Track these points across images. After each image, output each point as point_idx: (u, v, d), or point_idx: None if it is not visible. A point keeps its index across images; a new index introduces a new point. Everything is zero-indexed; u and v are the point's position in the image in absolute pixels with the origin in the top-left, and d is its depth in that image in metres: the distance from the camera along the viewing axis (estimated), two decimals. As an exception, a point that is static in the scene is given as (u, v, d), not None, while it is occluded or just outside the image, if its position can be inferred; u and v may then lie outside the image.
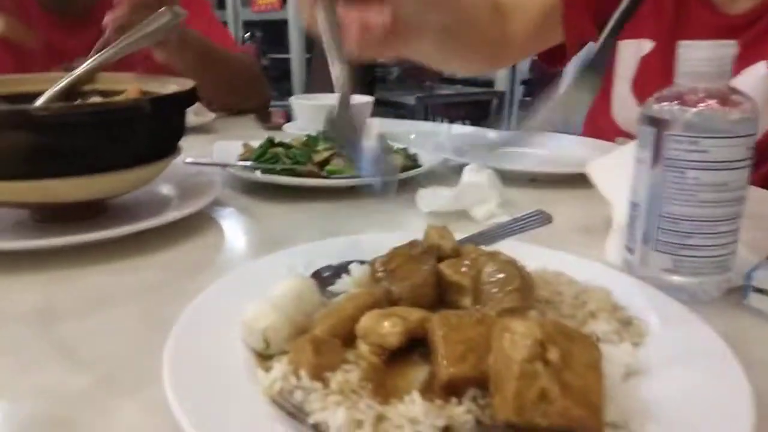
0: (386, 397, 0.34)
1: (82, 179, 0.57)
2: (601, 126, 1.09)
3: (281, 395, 0.35)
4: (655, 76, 0.95)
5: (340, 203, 0.79)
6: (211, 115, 1.33)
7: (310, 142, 0.92)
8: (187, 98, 0.65)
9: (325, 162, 0.86)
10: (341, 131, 0.56)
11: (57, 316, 0.49)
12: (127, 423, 0.36)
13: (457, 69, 1.18)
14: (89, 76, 0.74)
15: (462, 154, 0.93)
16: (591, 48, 0.91)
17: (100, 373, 0.41)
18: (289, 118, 1.42)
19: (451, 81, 3.92)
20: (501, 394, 0.32)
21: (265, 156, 0.88)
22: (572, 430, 0.31)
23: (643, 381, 0.37)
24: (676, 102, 0.48)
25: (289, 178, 0.81)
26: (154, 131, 0.62)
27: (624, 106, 1.01)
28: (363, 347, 0.38)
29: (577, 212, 0.73)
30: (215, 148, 0.93)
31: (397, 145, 0.93)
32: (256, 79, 1.49)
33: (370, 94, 1.43)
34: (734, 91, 0.47)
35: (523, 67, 3.74)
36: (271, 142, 0.92)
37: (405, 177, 0.85)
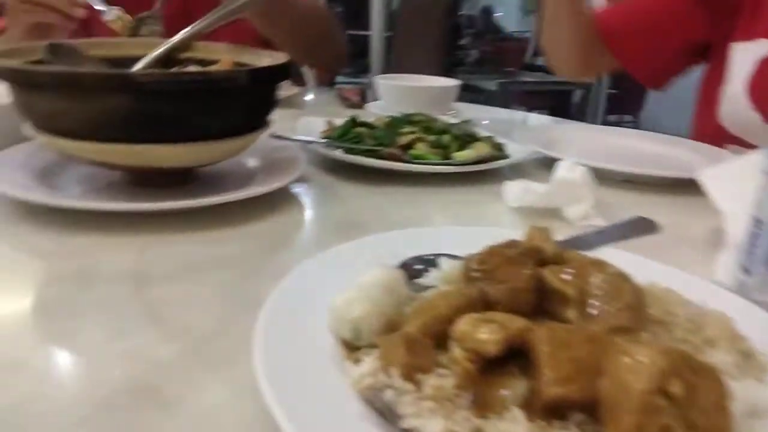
0: (483, 410, 0.32)
1: (178, 146, 0.57)
2: (704, 130, 1.02)
3: (371, 392, 0.34)
4: None
5: (422, 189, 0.77)
6: (294, 89, 1.33)
7: (394, 123, 0.90)
8: (282, 72, 0.64)
9: (409, 146, 0.83)
10: None
11: (147, 281, 0.49)
12: (213, 400, 0.36)
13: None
14: (186, 44, 0.74)
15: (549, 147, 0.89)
16: None
17: (188, 343, 0.41)
18: (363, 96, 1.40)
19: (533, 68, 3.79)
20: (615, 425, 0.29)
21: (347, 135, 0.86)
22: (693, 473, 0.28)
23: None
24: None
25: (372, 160, 0.79)
26: (249, 103, 0.62)
27: (736, 110, 0.93)
28: (456, 351, 0.35)
29: (681, 221, 0.67)
30: (299, 123, 0.92)
31: (483, 133, 0.90)
32: (332, 32, 1.45)
33: (451, 76, 1.39)
34: None
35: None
36: (353, 122, 0.90)
37: (491, 167, 0.81)
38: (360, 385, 0.34)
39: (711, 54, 1.04)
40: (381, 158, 0.80)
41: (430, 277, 0.47)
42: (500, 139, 0.89)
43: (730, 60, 0.94)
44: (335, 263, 0.48)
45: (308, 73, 1.65)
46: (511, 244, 0.43)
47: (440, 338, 0.37)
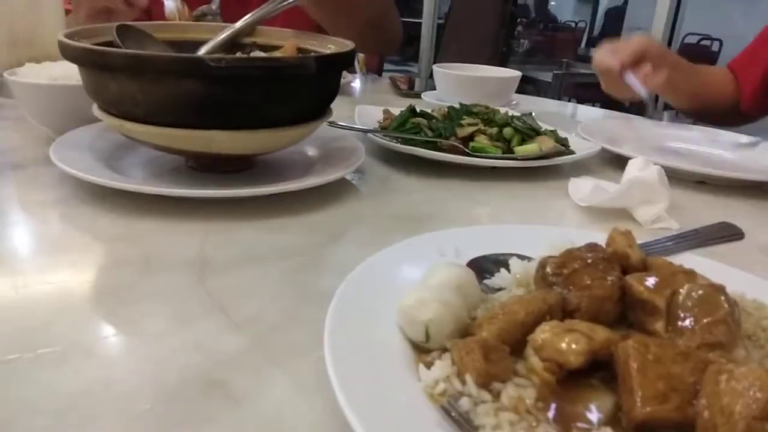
0: (566, 425, 0.30)
1: (243, 133, 0.57)
2: None
3: (445, 399, 0.32)
4: None
5: (482, 183, 0.75)
6: (349, 77, 1.32)
7: (453, 114, 0.88)
8: (346, 59, 0.62)
9: (470, 138, 0.81)
10: None
11: (209, 268, 0.49)
12: (279, 395, 0.35)
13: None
14: (249, 29, 0.74)
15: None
16: None
17: (253, 335, 0.41)
18: (411, 84, 1.38)
19: (587, 59, 3.68)
20: (716, 451, 0.27)
21: (406, 125, 0.85)
22: None
23: None
24: None
25: (431, 152, 0.77)
26: (314, 90, 0.61)
27: None
28: (534, 360, 0.34)
29: (761, 227, 0.63)
30: (357, 111, 0.91)
31: (546, 127, 0.87)
32: (389, 16, 1.42)
33: (503, 65, 1.35)
34: None
35: (673, 50, 3.43)
36: (412, 111, 0.88)
37: (555, 163, 0.78)
38: (433, 390, 0.33)
39: None
40: (440, 150, 0.78)
41: (500, 278, 0.45)
42: (563, 134, 0.86)
43: None
44: (401, 259, 0.46)
45: (357, 59, 1.63)
46: (592, 248, 0.41)
47: (517, 345, 0.35)
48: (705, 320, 0.34)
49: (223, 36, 0.72)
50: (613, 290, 0.37)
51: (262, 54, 0.70)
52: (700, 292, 0.36)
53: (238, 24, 0.72)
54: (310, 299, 0.45)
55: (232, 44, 0.73)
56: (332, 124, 0.79)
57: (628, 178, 0.63)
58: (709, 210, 0.69)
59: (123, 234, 0.55)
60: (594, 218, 0.65)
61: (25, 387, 0.34)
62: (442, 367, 0.34)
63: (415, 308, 0.37)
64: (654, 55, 0.96)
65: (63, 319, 0.41)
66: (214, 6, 1.09)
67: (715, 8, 5.33)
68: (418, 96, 1.23)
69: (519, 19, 4.01)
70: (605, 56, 0.99)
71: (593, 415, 0.31)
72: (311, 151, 0.75)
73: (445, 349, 0.36)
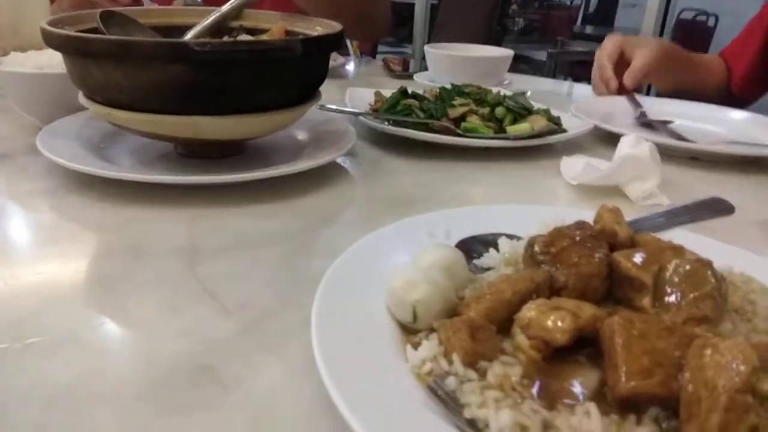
0: (551, 401, 0.30)
1: (230, 118, 0.56)
2: None
3: (432, 378, 0.32)
4: None
5: (474, 164, 0.74)
6: (340, 59, 1.30)
7: (444, 95, 0.87)
8: (335, 41, 0.62)
9: (461, 118, 0.81)
10: None
11: (199, 255, 0.49)
12: (270, 380, 0.35)
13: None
14: (236, 12, 0.73)
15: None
16: None
17: (243, 321, 0.41)
18: (406, 65, 1.36)
19: (583, 37, 3.65)
20: (699, 423, 0.27)
21: (397, 107, 0.84)
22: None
23: None
24: None
25: (422, 133, 0.77)
26: (302, 73, 0.60)
27: None
28: (521, 339, 0.34)
29: (754, 202, 0.63)
30: (348, 94, 0.90)
31: (539, 106, 0.86)
32: (378, 3, 1.41)
33: (497, 45, 1.34)
34: None
35: (668, 27, 3.39)
36: (404, 93, 0.88)
37: (547, 142, 0.78)
38: (420, 370, 0.33)
39: None
40: (431, 131, 0.78)
41: (489, 258, 0.45)
42: (556, 112, 0.86)
43: None
44: (390, 241, 0.46)
45: (350, 41, 1.62)
46: (580, 225, 0.41)
47: (504, 324, 0.35)
48: (691, 295, 0.34)
49: (209, 20, 0.71)
50: (600, 267, 0.37)
51: (249, 38, 0.69)
52: (687, 267, 0.36)
53: (225, 8, 0.71)
54: (301, 284, 0.45)
55: (219, 28, 0.72)
56: (322, 107, 0.78)
57: (620, 156, 0.62)
58: (702, 186, 0.69)
59: (112, 222, 0.54)
60: (586, 196, 0.65)
61: (14, 376, 0.34)
62: (429, 347, 0.34)
63: (403, 289, 0.37)
64: (662, 68, 1.02)
65: (52, 309, 0.41)
66: None
67: (710, -17, 5.27)
68: (410, 77, 1.22)
69: (513, -2, 3.97)
70: (608, 71, 1.05)
71: (578, 391, 0.31)
72: (301, 135, 0.75)
73: (432, 330, 0.36)
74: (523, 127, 0.78)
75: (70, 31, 0.57)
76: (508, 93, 0.89)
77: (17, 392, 0.33)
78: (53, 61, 0.76)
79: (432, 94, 0.89)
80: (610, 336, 0.31)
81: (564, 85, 1.60)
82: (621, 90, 1.03)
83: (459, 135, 0.77)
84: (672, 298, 0.35)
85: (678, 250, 0.37)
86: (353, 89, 0.93)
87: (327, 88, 0.70)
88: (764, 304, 0.38)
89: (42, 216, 0.57)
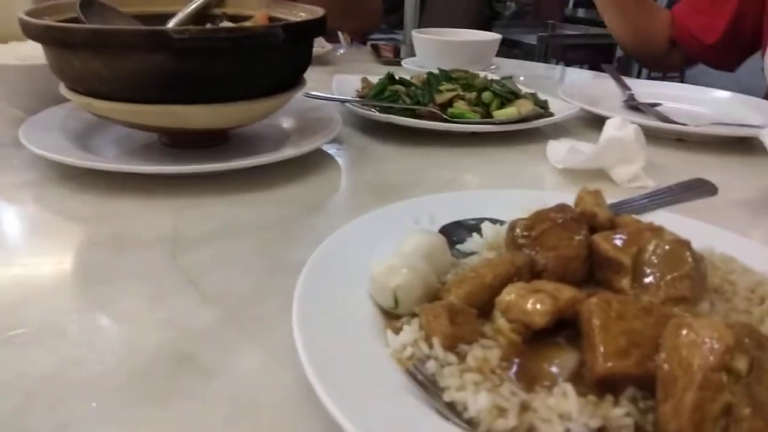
0: (530, 383, 0.31)
1: (213, 107, 0.56)
2: None
3: (412, 363, 0.33)
4: None
5: (461, 149, 0.74)
6: (328, 46, 1.29)
7: (432, 80, 0.87)
8: (319, 26, 0.61)
9: (448, 104, 0.80)
10: None
11: (182, 245, 0.49)
12: (251, 367, 0.35)
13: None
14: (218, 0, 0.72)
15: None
16: None
17: (225, 309, 0.41)
18: (397, 52, 1.35)
19: (574, 20, 3.63)
20: (674, 402, 0.27)
21: (384, 93, 0.84)
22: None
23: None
24: None
25: (409, 120, 0.76)
26: (286, 60, 0.60)
27: None
28: (501, 322, 0.34)
29: (737, 183, 0.63)
30: (334, 81, 0.90)
31: (526, 90, 0.86)
32: None
33: (488, 30, 1.34)
34: None
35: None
36: (391, 79, 0.87)
37: (534, 126, 0.78)
38: (400, 355, 0.33)
39: None
40: (418, 117, 0.77)
41: (472, 243, 0.45)
42: (543, 96, 0.86)
43: None
44: (373, 228, 0.46)
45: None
46: (560, 208, 0.41)
47: (484, 308, 0.35)
48: (669, 275, 0.35)
49: (192, 7, 0.70)
50: (579, 250, 0.37)
51: (231, 25, 0.69)
52: (666, 247, 0.36)
53: (207, -6, 0.71)
54: (284, 272, 0.45)
55: (202, 16, 0.71)
56: (308, 94, 0.78)
57: (605, 138, 0.62)
58: (687, 167, 0.69)
59: (95, 213, 0.54)
60: (572, 180, 0.65)
61: (-6, 369, 0.34)
62: (410, 332, 0.34)
63: (384, 275, 0.37)
64: None
65: (35, 301, 0.41)
66: None
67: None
68: (398, 63, 1.21)
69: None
70: None
71: (557, 372, 0.31)
72: (287, 123, 0.74)
73: (414, 315, 0.36)
74: (509, 111, 0.78)
75: (48, 21, 0.56)
76: (496, 77, 0.88)
77: (-2, 384, 0.33)
78: (35, 52, 0.75)
79: (420, 79, 0.88)
80: (588, 317, 0.31)
81: (556, 70, 1.60)
82: None
83: (446, 120, 0.76)
84: (650, 279, 0.35)
85: (657, 231, 0.37)
86: (340, 76, 0.92)
87: (314, 75, 0.69)
88: (744, 284, 0.38)
89: (25, 208, 0.57)
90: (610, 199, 0.50)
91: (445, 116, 0.77)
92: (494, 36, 1.14)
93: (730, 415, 0.26)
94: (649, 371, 0.29)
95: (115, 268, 0.46)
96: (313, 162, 0.67)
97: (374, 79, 0.89)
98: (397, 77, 0.87)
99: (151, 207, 0.55)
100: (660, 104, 0.90)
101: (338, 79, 0.90)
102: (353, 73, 0.97)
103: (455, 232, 0.46)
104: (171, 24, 0.69)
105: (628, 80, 1.01)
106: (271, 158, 0.59)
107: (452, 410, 0.30)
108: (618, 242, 0.37)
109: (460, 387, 0.30)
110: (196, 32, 0.53)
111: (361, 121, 0.81)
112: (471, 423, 0.29)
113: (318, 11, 0.64)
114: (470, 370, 0.31)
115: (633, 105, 0.91)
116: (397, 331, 0.35)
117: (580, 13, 4.19)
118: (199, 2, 0.71)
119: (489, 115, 0.79)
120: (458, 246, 0.45)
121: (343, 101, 0.80)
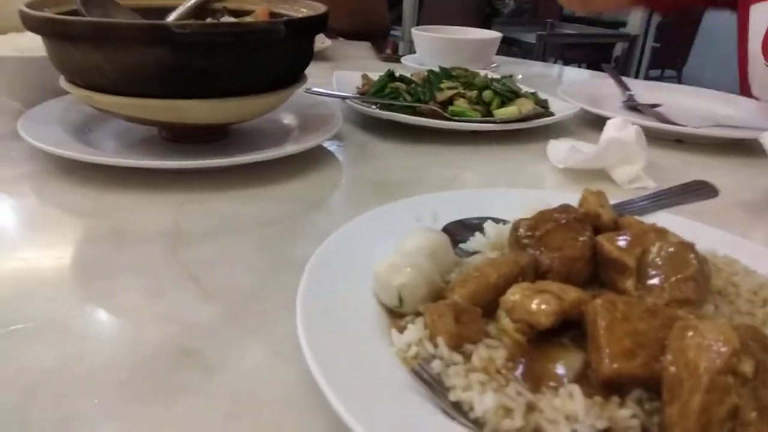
0: (536, 384, 0.30)
1: (214, 102, 0.56)
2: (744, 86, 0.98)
3: (417, 362, 0.32)
4: None
5: (462, 148, 0.74)
6: (328, 42, 1.29)
7: (432, 78, 0.87)
8: (320, 22, 0.61)
9: (449, 101, 0.80)
10: None
11: (183, 240, 0.49)
12: (253, 363, 0.35)
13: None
14: (220, -7, 0.71)
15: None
16: None
17: (228, 305, 0.40)
18: (396, 49, 1.35)
19: (573, 19, 3.63)
20: (680, 405, 0.27)
21: (384, 90, 0.84)
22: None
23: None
24: None
25: (410, 117, 0.76)
26: (287, 56, 0.59)
27: (755, 70, 0.89)
28: (506, 322, 0.34)
29: (738, 185, 0.64)
30: (335, 77, 0.89)
31: (526, 89, 0.86)
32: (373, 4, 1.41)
33: (486, 27, 1.34)
34: None
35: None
36: (391, 76, 0.87)
37: (534, 125, 0.78)
38: (405, 354, 0.33)
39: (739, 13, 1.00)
40: (419, 115, 0.77)
41: (474, 242, 0.45)
42: (544, 96, 0.85)
43: (750, 20, 0.90)
44: (376, 225, 0.46)
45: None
46: (564, 209, 0.41)
47: (489, 308, 0.35)
48: (674, 277, 0.35)
49: (192, 1, 0.70)
50: (584, 250, 0.37)
51: (232, 20, 0.68)
52: (670, 249, 0.36)
53: (208, -12, 0.70)
54: (286, 268, 0.45)
55: (203, 10, 0.71)
56: (309, 91, 0.77)
57: (605, 139, 0.62)
58: (687, 169, 0.69)
59: (95, 207, 0.54)
60: (573, 180, 0.65)
61: (-5, 364, 0.34)
62: (414, 330, 0.34)
63: (388, 273, 0.37)
64: None
65: (35, 295, 0.41)
66: None
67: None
68: (398, 60, 1.21)
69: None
70: None
71: (562, 373, 0.31)
72: (287, 119, 0.74)
73: (418, 314, 0.36)
74: (510, 110, 0.78)
75: (48, 13, 0.56)
76: (496, 76, 0.88)
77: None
78: (34, 43, 0.74)
79: (420, 77, 0.88)
80: (594, 318, 0.31)
81: (554, 68, 1.60)
82: None
83: (446, 118, 0.76)
84: (655, 281, 0.35)
85: (661, 233, 0.38)
86: (340, 72, 0.92)
87: (316, 71, 0.69)
88: (747, 286, 0.39)
89: (24, 201, 0.56)
90: (611, 200, 0.50)
91: (445, 114, 0.77)
92: (495, 34, 1.14)
93: (737, 418, 0.26)
94: (655, 373, 0.29)
95: (116, 262, 0.45)
96: (314, 158, 0.66)
97: (374, 76, 0.89)
98: (397, 74, 0.87)
99: (151, 201, 0.55)
100: (660, 105, 0.90)
101: (338, 76, 0.90)
102: (354, 69, 0.97)
103: (458, 231, 0.46)
104: (171, 18, 0.69)
105: (627, 81, 1.02)
106: (273, 154, 0.59)
107: (458, 410, 0.30)
108: (622, 243, 0.37)
109: (466, 387, 0.30)
110: (197, 26, 0.52)
111: (362, 118, 0.81)
112: (477, 423, 0.29)
113: (320, 7, 0.64)
114: (476, 370, 0.31)
115: (633, 105, 0.92)
116: (401, 329, 0.35)
117: (580, 12, 4.19)
118: (200, -4, 0.70)
119: (489, 113, 0.79)
120: (461, 245, 0.45)
121: (344, 98, 0.80)
